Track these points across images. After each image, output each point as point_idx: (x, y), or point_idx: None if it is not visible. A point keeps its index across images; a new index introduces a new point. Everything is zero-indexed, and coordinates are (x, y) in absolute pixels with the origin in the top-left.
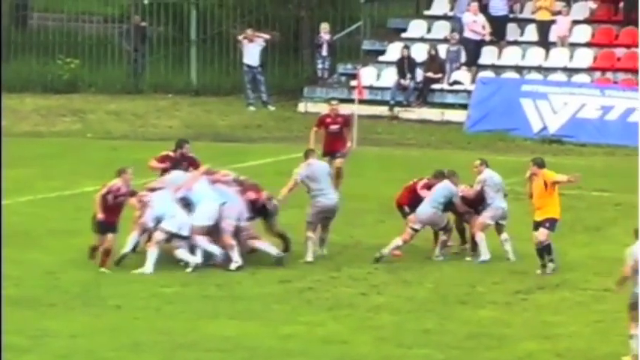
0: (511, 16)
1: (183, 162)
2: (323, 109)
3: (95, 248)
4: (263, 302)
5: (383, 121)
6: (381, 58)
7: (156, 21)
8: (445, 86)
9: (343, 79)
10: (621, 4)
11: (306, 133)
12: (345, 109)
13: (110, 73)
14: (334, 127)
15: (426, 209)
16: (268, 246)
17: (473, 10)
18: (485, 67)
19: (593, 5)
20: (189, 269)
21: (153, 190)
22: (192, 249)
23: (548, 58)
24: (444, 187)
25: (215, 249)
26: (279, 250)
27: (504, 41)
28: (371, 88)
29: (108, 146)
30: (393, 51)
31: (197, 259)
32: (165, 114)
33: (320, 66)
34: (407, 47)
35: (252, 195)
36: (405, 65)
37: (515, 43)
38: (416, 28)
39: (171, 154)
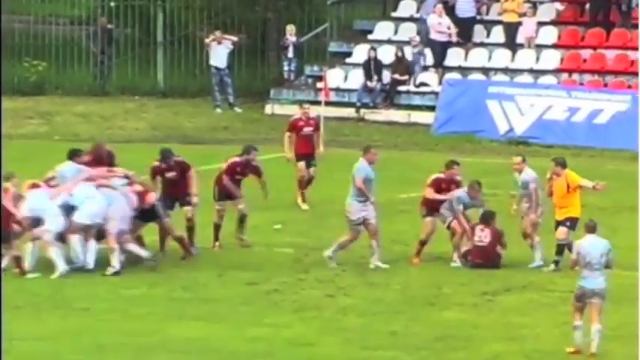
0: (478, 17)
1: (246, 170)
2: (290, 111)
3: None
4: (229, 304)
5: (349, 122)
6: (347, 60)
7: (122, 23)
8: (412, 88)
9: (310, 80)
10: (587, 6)
11: (273, 135)
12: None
13: (77, 75)
14: (307, 130)
15: None
16: (139, 249)
17: (438, 11)
18: (451, 68)
19: (560, 7)
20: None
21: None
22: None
23: (514, 59)
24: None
25: (143, 252)
26: (151, 254)
27: (471, 43)
28: (337, 89)
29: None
30: (360, 53)
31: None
32: (133, 116)
33: (286, 68)
34: (373, 49)
35: (138, 188)
36: (372, 67)
37: (482, 44)
38: (382, 29)
39: (237, 159)
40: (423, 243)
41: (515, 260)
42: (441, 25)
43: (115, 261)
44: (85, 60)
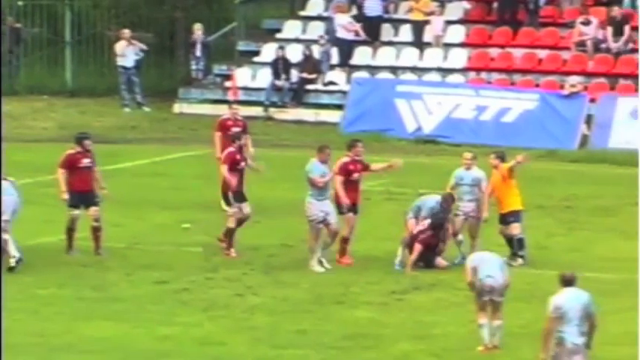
0: (385, 16)
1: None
2: (198, 110)
3: None
4: (139, 303)
5: (258, 121)
6: (255, 59)
7: (30, 22)
8: (320, 87)
9: (218, 80)
10: (495, 5)
11: (182, 135)
12: (219, 110)
13: None
14: (235, 130)
15: None
16: (11, 245)
17: (343, 9)
18: (359, 67)
19: (467, 5)
20: None
21: None
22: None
23: (422, 58)
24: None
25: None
26: (18, 255)
27: (379, 42)
28: (246, 89)
29: None
30: (268, 52)
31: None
32: (41, 115)
33: (194, 67)
34: (282, 48)
35: None
36: (280, 66)
37: (390, 43)
38: (290, 28)
39: (231, 149)
40: (346, 240)
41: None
42: (347, 24)
43: (13, 250)
44: None
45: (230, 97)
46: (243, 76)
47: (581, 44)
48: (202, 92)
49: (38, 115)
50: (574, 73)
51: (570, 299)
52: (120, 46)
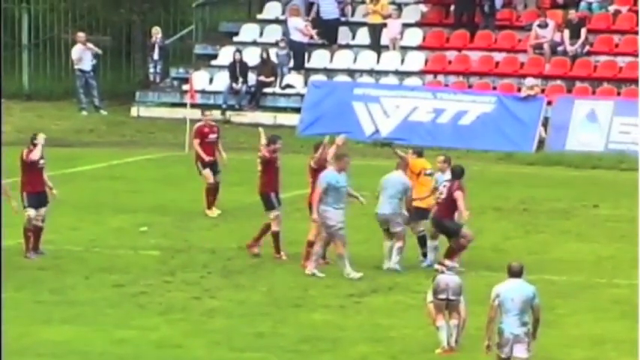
0: (342, 19)
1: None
2: (155, 113)
3: None
4: (96, 307)
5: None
6: (213, 62)
7: None
8: (277, 90)
9: (175, 83)
10: (452, 8)
11: (139, 138)
12: (177, 113)
13: None
14: (212, 137)
15: None
16: None
17: (296, 12)
18: (317, 70)
19: (424, 8)
20: None
21: None
22: None
23: (379, 61)
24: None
25: None
26: None
27: (336, 45)
28: (203, 92)
29: None
30: (225, 55)
31: None
32: None
33: (152, 70)
34: (239, 51)
35: None
36: (237, 69)
37: (347, 46)
38: (248, 31)
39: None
40: (311, 244)
41: (381, 261)
42: (301, 27)
43: None
44: None
45: (187, 100)
46: (200, 79)
47: (538, 47)
48: (160, 95)
49: None
50: (531, 76)
51: (510, 290)
52: (76, 50)
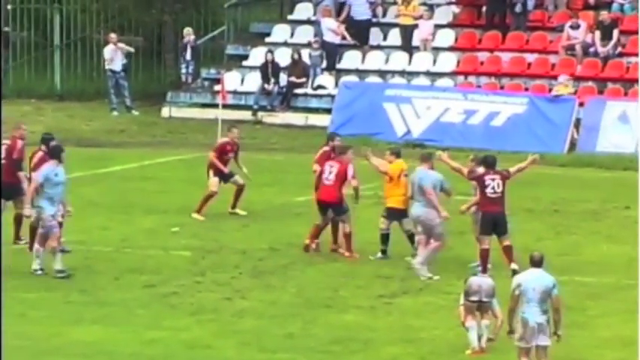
0: (374, 20)
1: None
2: (186, 113)
3: None
4: (127, 307)
5: (246, 125)
6: (244, 63)
7: (19, 26)
8: (309, 91)
9: (207, 83)
10: (484, 9)
11: (170, 138)
12: (208, 113)
13: None
14: (231, 155)
15: None
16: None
17: (329, 14)
18: (348, 71)
19: (456, 10)
20: None
21: None
22: None
23: (411, 62)
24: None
25: None
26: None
27: (368, 46)
28: (234, 92)
29: None
30: (257, 55)
31: None
32: (29, 119)
33: (184, 70)
34: (270, 52)
35: None
36: (269, 70)
37: (379, 47)
38: (279, 32)
39: (326, 148)
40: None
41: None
42: (334, 27)
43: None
44: None
45: (219, 100)
46: (231, 79)
47: (570, 48)
48: (191, 96)
49: (26, 119)
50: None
51: (531, 279)
52: (108, 50)
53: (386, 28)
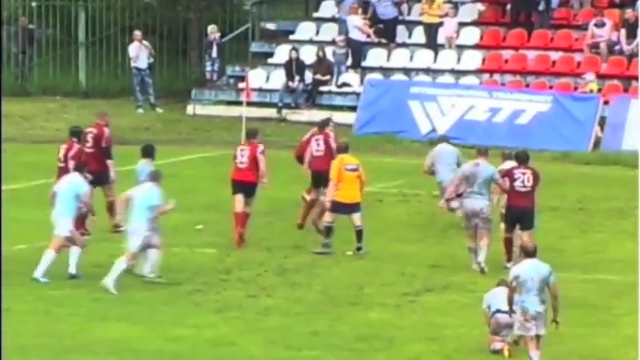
0: (399, 18)
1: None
2: (211, 111)
3: None
4: (152, 305)
5: (271, 123)
6: (269, 61)
7: (44, 23)
8: (333, 88)
9: (232, 81)
10: (508, 7)
11: (195, 136)
12: (233, 111)
13: None
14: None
15: None
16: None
17: (356, 11)
18: (373, 69)
19: (481, 7)
20: None
21: None
22: None
23: (436, 60)
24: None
25: None
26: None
27: (393, 43)
28: (259, 90)
29: None
30: (282, 53)
31: None
32: (54, 116)
33: (209, 68)
34: (295, 49)
35: None
36: (294, 67)
37: (404, 45)
38: (304, 30)
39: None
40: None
41: (436, 260)
42: (360, 25)
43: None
44: (5, 60)
45: (243, 98)
46: (256, 77)
47: (595, 46)
48: (216, 93)
49: (51, 116)
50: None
51: (528, 269)
52: (133, 48)
53: (411, 25)
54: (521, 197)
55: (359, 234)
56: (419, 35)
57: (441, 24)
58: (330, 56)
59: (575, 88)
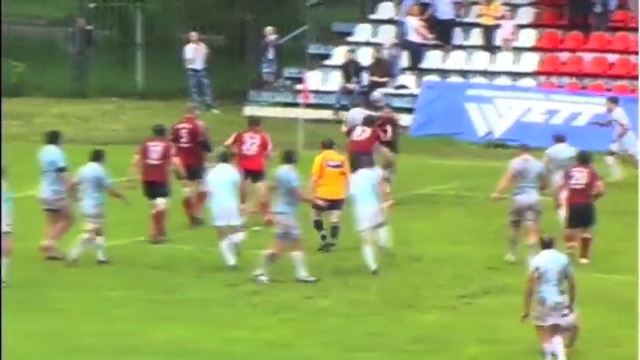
0: (456, 20)
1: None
2: (268, 112)
3: None
4: (209, 306)
5: (328, 124)
6: (326, 62)
7: (102, 24)
8: (391, 90)
9: (289, 82)
10: (566, 9)
11: None
12: (289, 113)
13: (56, 77)
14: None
15: None
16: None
17: (415, 13)
18: (430, 71)
19: (538, 9)
20: None
21: None
22: None
23: (493, 62)
24: None
25: None
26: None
27: (450, 45)
28: (317, 92)
29: None
30: (339, 55)
31: None
32: (111, 117)
33: (266, 70)
34: (352, 51)
35: None
36: (351, 69)
37: (461, 47)
38: (361, 32)
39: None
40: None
41: (492, 262)
42: (418, 27)
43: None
44: (63, 61)
45: (301, 100)
46: (314, 79)
47: None
48: (273, 95)
49: (108, 117)
50: None
51: (548, 260)
52: (189, 49)
53: (468, 27)
54: (577, 194)
55: (334, 230)
56: (476, 37)
57: (498, 26)
58: (387, 58)
59: (633, 91)
